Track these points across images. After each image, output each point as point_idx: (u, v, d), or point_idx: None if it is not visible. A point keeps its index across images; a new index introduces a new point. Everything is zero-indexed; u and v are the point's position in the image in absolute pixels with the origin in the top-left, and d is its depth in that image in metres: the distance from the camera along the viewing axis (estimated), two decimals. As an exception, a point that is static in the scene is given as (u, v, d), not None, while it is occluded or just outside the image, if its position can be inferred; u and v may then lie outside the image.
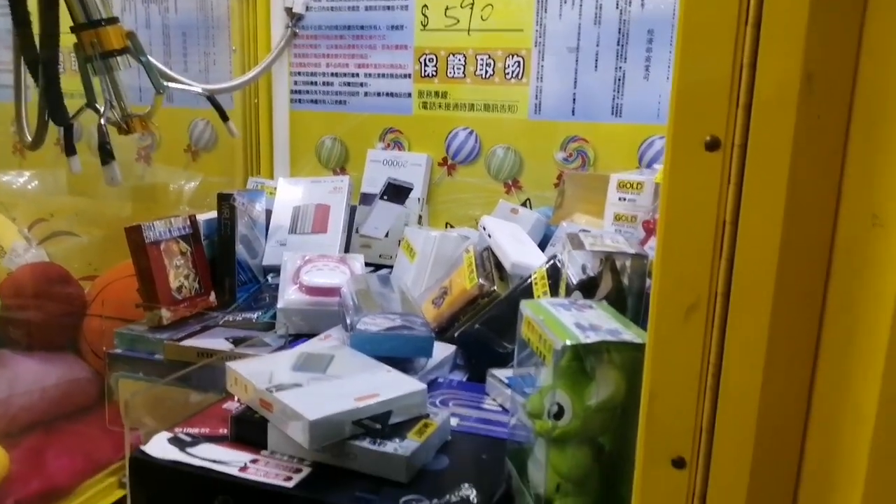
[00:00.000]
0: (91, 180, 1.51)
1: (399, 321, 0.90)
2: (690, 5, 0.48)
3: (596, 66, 1.24)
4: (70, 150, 0.94)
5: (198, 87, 1.16)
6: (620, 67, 1.23)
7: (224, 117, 1.16)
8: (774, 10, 0.45)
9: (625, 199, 1.10)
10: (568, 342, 0.56)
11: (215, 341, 1.05)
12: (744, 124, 0.47)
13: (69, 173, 1.57)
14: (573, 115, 1.26)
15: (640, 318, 0.77)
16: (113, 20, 0.96)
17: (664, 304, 0.51)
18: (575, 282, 0.83)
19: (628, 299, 0.79)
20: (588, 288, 0.81)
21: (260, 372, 0.76)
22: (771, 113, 0.46)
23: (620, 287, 0.79)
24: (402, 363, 0.87)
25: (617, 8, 1.21)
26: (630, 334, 0.58)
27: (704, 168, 0.49)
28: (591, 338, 0.57)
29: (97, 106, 0.97)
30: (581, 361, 0.58)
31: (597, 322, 0.61)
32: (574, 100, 1.26)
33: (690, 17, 0.48)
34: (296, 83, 1.43)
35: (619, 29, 1.21)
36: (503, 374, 0.88)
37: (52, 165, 1.54)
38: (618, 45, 1.22)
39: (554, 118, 1.27)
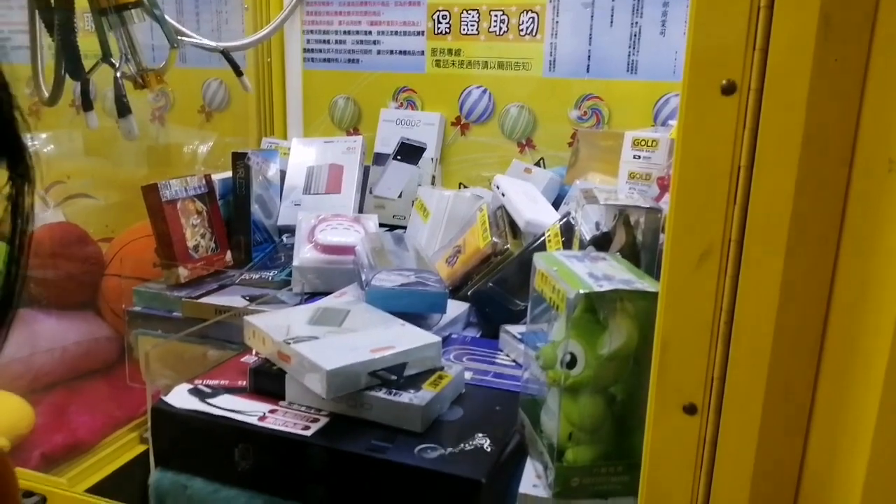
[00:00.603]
0: (106, 143, 1.53)
1: (413, 277, 0.91)
2: (707, -53, 0.47)
3: (611, 22, 1.22)
4: (87, 105, 0.95)
5: (211, 43, 1.15)
6: (636, 23, 1.21)
7: (238, 72, 1.16)
8: (792, -49, 0.44)
9: (639, 157, 1.09)
10: (581, 291, 0.57)
11: (232, 299, 1.06)
12: (760, 68, 0.47)
13: (85, 135, 1.59)
14: (588, 72, 1.25)
15: (653, 274, 0.77)
16: None
17: (677, 250, 0.51)
18: (588, 238, 0.83)
19: (641, 254, 0.79)
20: (601, 243, 0.81)
21: (277, 325, 0.77)
22: (787, 56, 0.46)
23: (634, 242, 0.79)
24: (416, 318, 0.88)
25: (633, -39, 1.19)
26: (643, 283, 0.59)
27: (720, 113, 0.49)
28: (605, 287, 0.57)
29: (112, 60, 0.97)
30: (594, 311, 0.59)
31: (610, 272, 0.61)
32: (589, 57, 1.24)
33: (707, -40, 0.47)
34: (308, 42, 1.42)
35: (636, -17, 1.19)
36: (516, 330, 0.88)
37: (68, 127, 1.55)
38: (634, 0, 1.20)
39: (568, 76, 1.26)
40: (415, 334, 0.76)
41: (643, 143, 1.09)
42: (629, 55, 1.22)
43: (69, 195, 1.59)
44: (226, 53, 1.12)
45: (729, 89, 0.48)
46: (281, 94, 1.44)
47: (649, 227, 0.79)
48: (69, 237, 1.28)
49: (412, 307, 0.88)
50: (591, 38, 1.24)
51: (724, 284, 0.50)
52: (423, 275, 0.91)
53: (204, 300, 1.06)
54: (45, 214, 1.45)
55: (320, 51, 1.42)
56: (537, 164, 1.29)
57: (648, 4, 1.19)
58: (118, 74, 0.96)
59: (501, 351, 0.89)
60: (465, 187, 1.35)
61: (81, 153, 1.60)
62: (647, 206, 0.78)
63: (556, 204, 1.16)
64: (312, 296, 1.06)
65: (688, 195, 0.51)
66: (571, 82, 1.26)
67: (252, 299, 1.06)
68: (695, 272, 0.51)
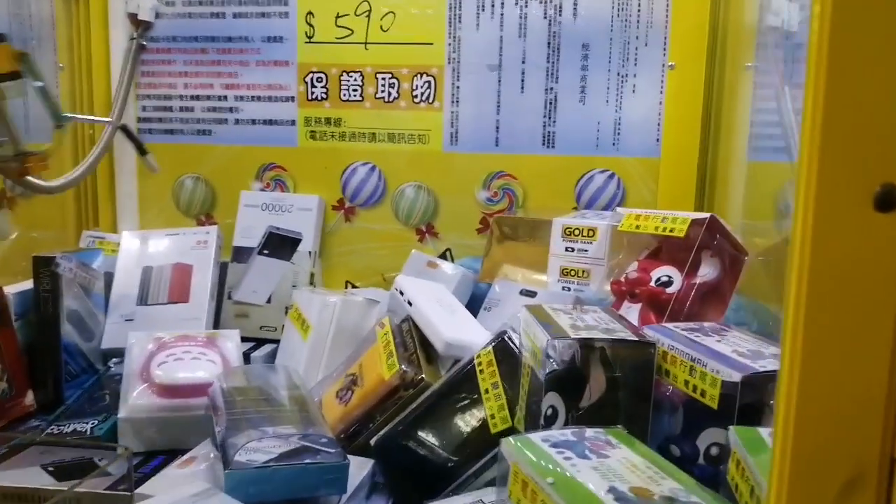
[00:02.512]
0: None
1: (296, 442, 0.63)
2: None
3: (522, 88, 1.03)
4: None
5: (105, 119, 0.95)
6: (551, 89, 1.02)
7: (142, 151, 0.93)
8: None
9: (573, 250, 0.89)
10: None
11: (28, 473, 0.73)
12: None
13: None
14: (497, 146, 1.04)
15: (646, 434, 0.55)
16: None
17: (802, 476, 0.29)
18: (546, 371, 0.59)
19: (622, 404, 0.57)
20: (567, 384, 0.58)
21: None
22: None
23: (615, 386, 0.56)
24: (303, 502, 0.61)
25: (545, 17, 1.01)
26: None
27: (873, 238, 0.27)
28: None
29: None
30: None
31: (631, 477, 0.38)
32: (497, 128, 1.04)
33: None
34: (144, 109, 1.13)
35: (549, 43, 1.01)
36: (447, 507, 0.63)
37: None
38: (547, 62, 1.02)
39: (474, 150, 1.05)
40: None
41: (577, 232, 0.89)
42: (544, 126, 1.03)
43: None
44: (126, 129, 0.91)
45: (888, 201, 0.27)
46: (108, 175, 1.13)
47: (633, 365, 0.57)
48: None
49: (297, 491, 0.60)
50: (499, 107, 1.04)
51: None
52: (311, 436, 0.64)
53: (-20, 480, 0.72)
54: None
55: (160, 120, 1.13)
56: (443, 255, 1.06)
57: (564, 67, 1.01)
58: None
59: (427, 539, 0.63)
60: (355, 287, 1.09)
61: None
62: (633, 337, 0.56)
63: (472, 307, 0.92)
64: (151, 456, 0.76)
65: (817, 383, 0.29)
66: (478, 157, 1.05)
67: (59, 472, 0.73)
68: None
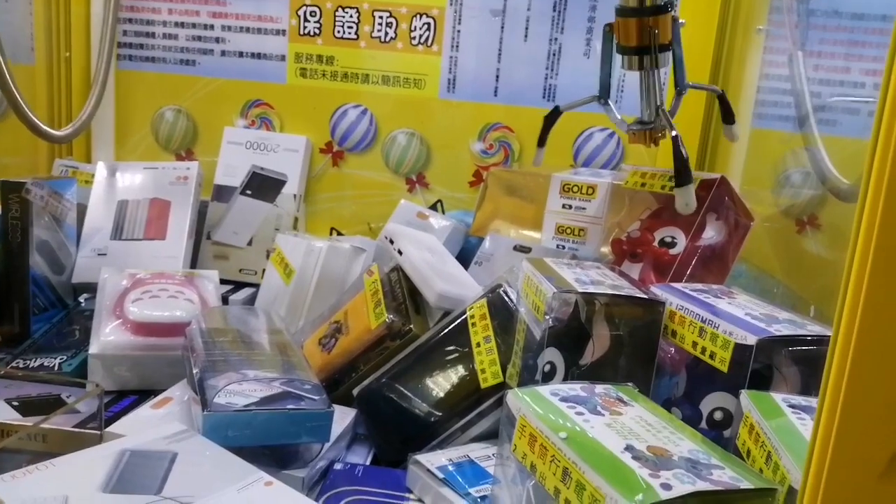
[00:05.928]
0: None
1: (278, 386, 0.60)
2: None
3: (526, 36, 0.99)
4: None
5: (712, 87, 0.88)
6: (556, 39, 0.98)
7: (730, 119, 0.82)
8: None
9: (570, 207, 0.86)
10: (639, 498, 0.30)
11: (-9, 406, 0.70)
12: None
13: None
14: (495, 95, 1.01)
15: (647, 395, 0.53)
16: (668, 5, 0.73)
17: (845, 450, 0.27)
18: (542, 328, 0.57)
19: (624, 362, 0.55)
20: (568, 341, 0.55)
21: (43, 499, 0.44)
22: None
23: (619, 344, 0.54)
24: (283, 449, 0.58)
25: (554, -37, 0.97)
26: (742, 475, 0.33)
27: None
28: (677, 486, 0.31)
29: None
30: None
31: (648, 436, 0.35)
32: (497, 77, 1.00)
33: None
34: (125, 34, 1.07)
35: (557, -10, 0.97)
36: (433, 461, 0.61)
37: None
38: (553, 10, 0.98)
39: (472, 98, 1.01)
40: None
41: (576, 188, 0.86)
42: (546, 78, 0.99)
43: None
44: (722, 97, 0.82)
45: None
46: (83, 102, 1.07)
47: (639, 324, 0.54)
48: None
49: (278, 437, 0.57)
50: (500, 55, 0.99)
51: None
52: (295, 381, 0.61)
53: (-62, 411, 0.68)
54: None
55: (141, 46, 1.07)
56: (433, 207, 1.02)
57: (571, 18, 0.97)
58: (674, 133, 0.71)
59: (410, 493, 0.61)
60: (339, 234, 1.05)
61: None
62: (643, 295, 0.53)
63: (461, 261, 0.89)
64: (120, 396, 0.72)
65: (873, 350, 0.27)
66: (475, 107, 1.01)
67: (24, 407, 0.70)
68: (879, 484, 0.28)
